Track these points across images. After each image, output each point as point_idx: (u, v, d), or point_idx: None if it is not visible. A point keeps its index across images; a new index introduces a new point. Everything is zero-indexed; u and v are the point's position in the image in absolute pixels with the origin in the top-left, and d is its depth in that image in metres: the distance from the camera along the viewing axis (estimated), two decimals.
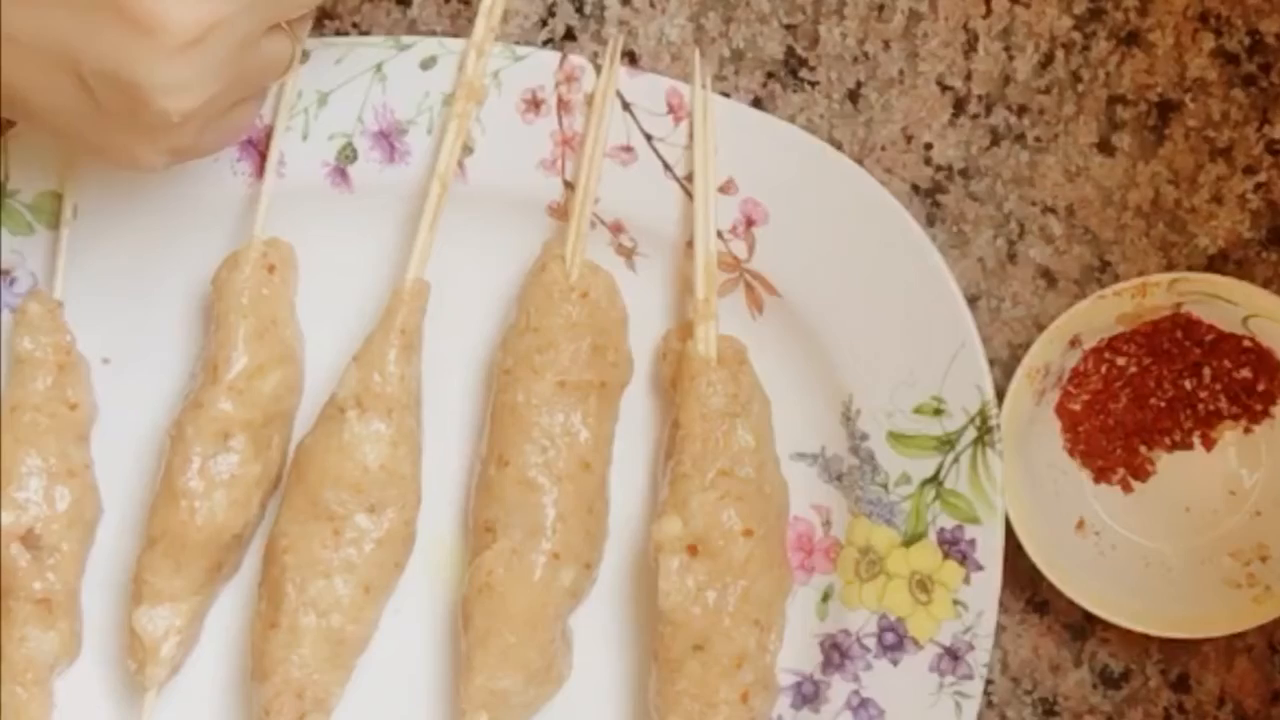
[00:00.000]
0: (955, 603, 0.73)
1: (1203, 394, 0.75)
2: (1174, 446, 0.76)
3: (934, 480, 0.73)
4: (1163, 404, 0.75)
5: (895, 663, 0.74)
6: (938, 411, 0.73)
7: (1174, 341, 0.74)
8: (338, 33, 0.77)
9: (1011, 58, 0.76)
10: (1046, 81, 0.76)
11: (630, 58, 0.76)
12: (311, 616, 0.72)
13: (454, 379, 0.76)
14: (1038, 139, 0.76)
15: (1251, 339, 0.74)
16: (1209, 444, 0.75)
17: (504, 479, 0.72)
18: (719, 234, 0.74)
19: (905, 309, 0.73)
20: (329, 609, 0.72)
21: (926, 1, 0.76)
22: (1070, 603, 0.73)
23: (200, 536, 0.72)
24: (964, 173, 0.76)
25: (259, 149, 0.75)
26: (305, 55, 0.74)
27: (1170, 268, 0.76)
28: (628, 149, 0.74)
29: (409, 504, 0.73)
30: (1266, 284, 0.75)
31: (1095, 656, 0.76)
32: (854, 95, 0.76)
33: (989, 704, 0.76)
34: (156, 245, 0.76)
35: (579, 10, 0.77)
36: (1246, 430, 0.75)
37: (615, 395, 0.74)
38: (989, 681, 0.76)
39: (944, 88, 0.76)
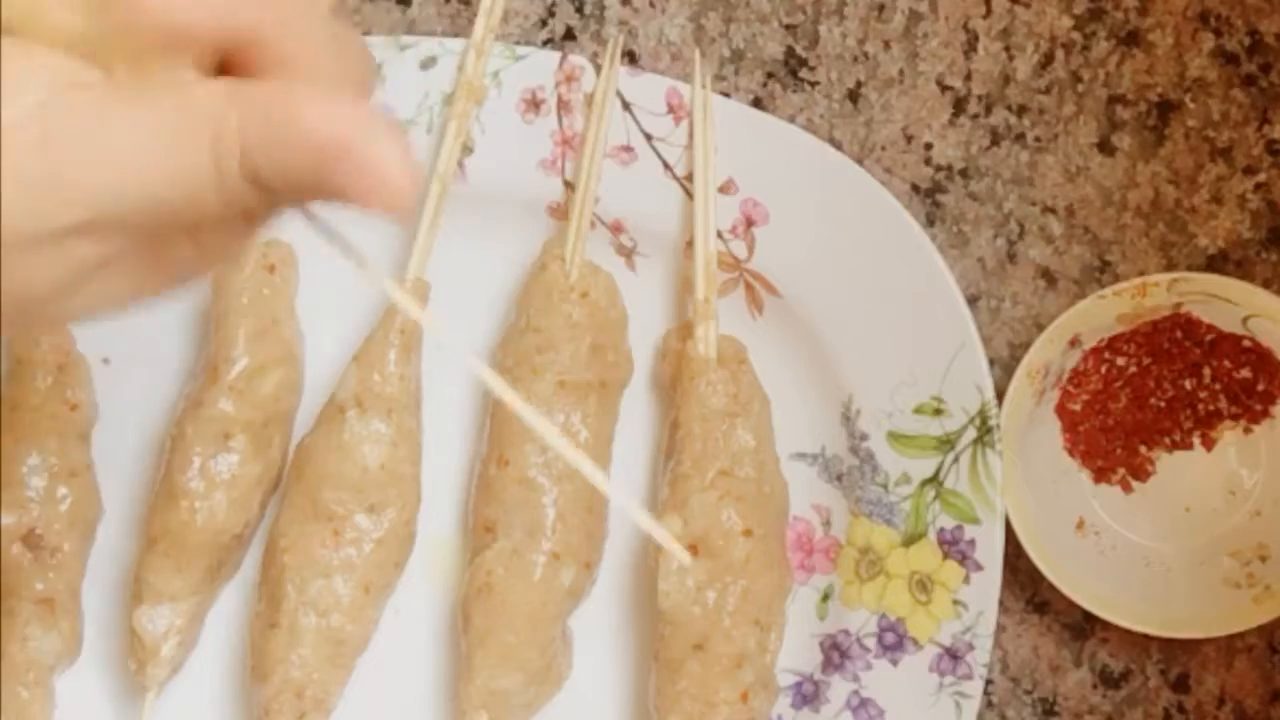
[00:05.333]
0: (955, 603, 0.73)
1: (1203, 394, 0.75)
2: (1174, 446, 0.76)
3: (934, 480, 0.73)
4: (1163, 404, 0.75)
5: (895, 663, 0.74)
6: (938, 411, 0.73)
7: (1174, 341, 0.74)
8: None
9: (1011, 58, 0.76)
10: (1046, 81, 0.76)
11: (630, 58, 0.76)
12: (311, 616, 0.72)
13: (454, 379, 0.76)
14: (1038, 139, 0.76)
15: (1251, 339, 0.74)
16: (1209, 444, 0.75)
17: (504, 479, 0.72)
18: (719, 234, 0.74)
19: (905, 309, 0.73)
20: (329, 609, 0.72)
21: (926, 1, 0.76)
22: (1070, 603, 0.73)
23: (200, 536, 0.72)
24: (964, 173, 0.76)
25: None
26: None
27: (1170, 268, 0.76)
28: (628, 149, 0.74)
29: (409, 504, 0.73)
30: (1266, 284, 0.75)
31: (1095, 656, 0.76)
32: (854, 95, 0.76)
33: (989, 704, 0.76)
34: None
35: (579, 10, 0.77)
36: (1246, 430, 0.75)
37: (615, 395, 0.74)
38: (989, 681, 0.76)
39: (944, 88, 0.76)
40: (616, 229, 0.75)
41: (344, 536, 0.72)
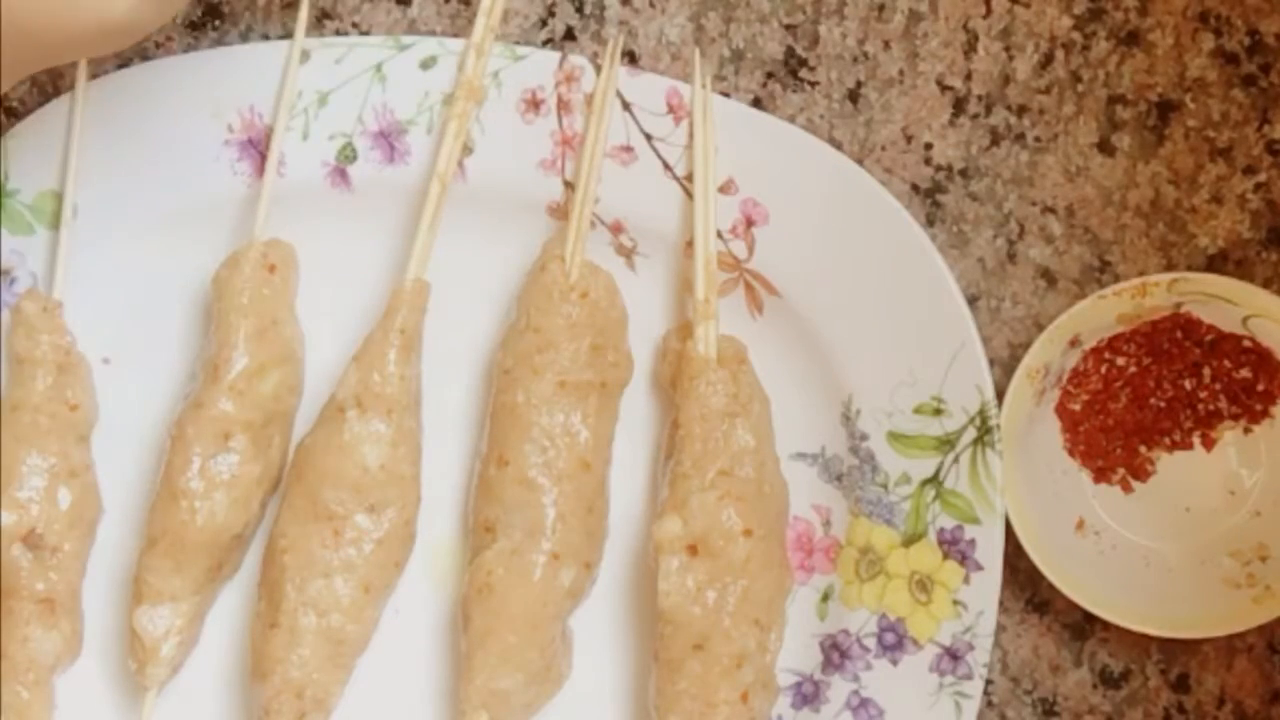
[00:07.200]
0: (955, 603, 0.73)
1: (1203, 394, 0.75)
2: (1174, 446, 0.76)
3: (934, 480, 0.73)
4: (1163, 404, 0.75)
5: (895, 663, 0.74)
6: (938, 411, 0.73)
7: (1174, 341, 0.75)
8: (338, 33, 0.77)
9: (1011, 58, 0.76)
10: (1046, 81, 0.76)
11: (630, 58, 0.76)
12: (311, 616, 0.72)
13: (454, 379, 0.76)
14: (1038, 139, 0.76)
15: (1251, 339, 0.74)
16: (1209, 444, 0.75)
17: (504, 479, 0.72)
18: (719, 234, 0.74)
19: (905, 309, 0.73)
20: (329, 609, 0.72)
21: (926, 1, 0.76)
22: (1070, 603, 0.73)
23: (200, 536, 0.72)
24: (964, 173, 0.76)
25: (259, 149, 0.75)
26: (305, 55, 0.74)
27: (1170, 268, 0.76)
28: (628, 149, 0.74)
29: (409, 504, 0.73)
30: (1266, 284, 0.75)
31: (1095, 656, 0.76)
32: (854, 95, 0.76)
33: (989, 704, 0.76)
34: (156, 245, 0.76)
35: (579, 10, 0.77)
36: (1246, 430, 0.75)
37: (615, 395, 0.74)
38: (989, 681, 0.76)
39: (944, 88, 0.76)
40: (616, 229, 0.75)
41: (344, 536, 0.72)
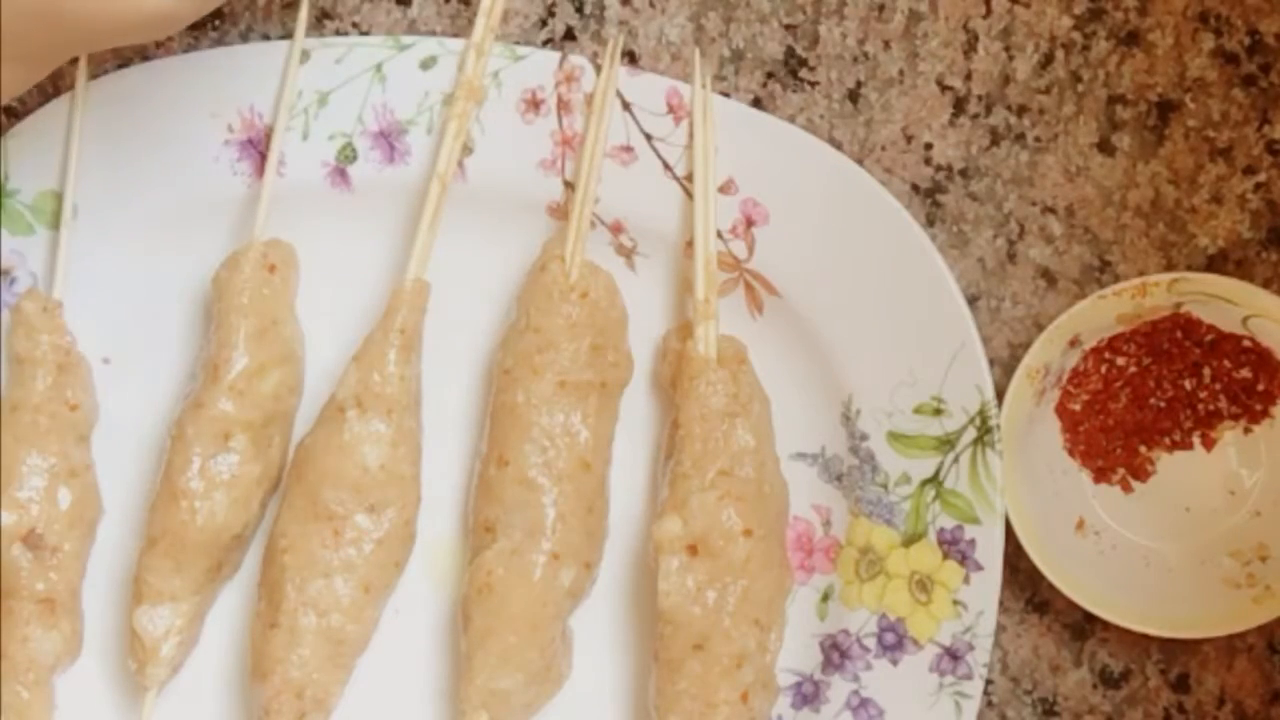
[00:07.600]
0: (955, 603, 0.73)
1: (1203, 394, 0.75)
2: (1174, 446, 0.76)
3: (934, 480, 0.73)
4: (1163, 404, 0.75)
5: (895, 663, 0.74)
6: (938, 411, 0.73)
7: (1174, 341, 0.75)
8: (338, 33, 0.77)
9: (1011, 58, 0.76)
10: (1046, 81, 0.76)
11: (630, 58, 0.76)
12: (311, 616, 0.72)
13: (454, 379, 0.76)
14: (1038, 139, 0.76)
15: (1251, 339, 0.74)
16: (1209, 444, 0.76)
17: (504, 479, 0.72)
18: (719, 234, 0.74)
19: (905, 309, 0.73)
20: (329, 609, 0.72)
21: (926, 1, 0.76)
22: (1070, 603, 0.73)
23: (200, 536, 0.72)
24: (964, 173, 0.76)
25: (259, 149, 0.75)
26: (305, 55, 0.74)
27: (1170, 268, 0.76)
28: (628, 149, 0.74)
29: (409, 504, 0.73)
30: (1266, 284, 0.75)
31: (1095, 656, 0.76)
32: (854, 95, 0.76)
33: (989, 704, 0.76)
34: (156, 245, 0.76)
35: (579, 10, 0.77)
36: (1246, 430, 0.75)
37: (615, 395, 0.74)
38: (989, 681, 0.76)
39: (944, 88, 0.76)
40: (616, 229, 0.75)
41: (344, 536, 0.72)
